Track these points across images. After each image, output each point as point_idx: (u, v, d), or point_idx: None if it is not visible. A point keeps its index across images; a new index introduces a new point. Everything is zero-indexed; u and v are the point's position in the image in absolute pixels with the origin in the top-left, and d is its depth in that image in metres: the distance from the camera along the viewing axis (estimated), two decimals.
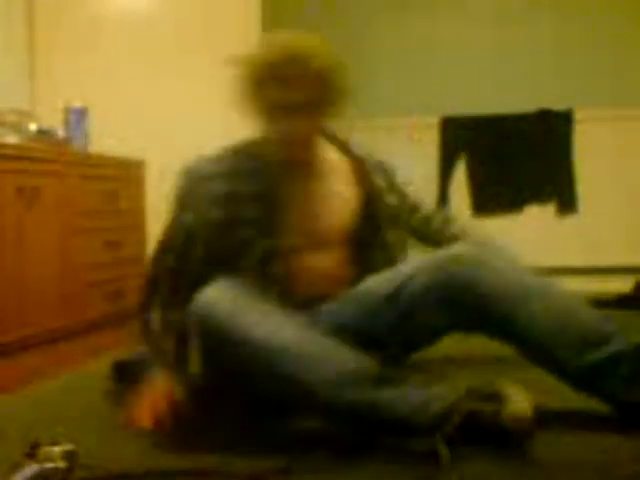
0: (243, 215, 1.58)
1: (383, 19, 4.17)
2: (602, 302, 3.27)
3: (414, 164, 4.02)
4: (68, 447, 1.27)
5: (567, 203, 3.90)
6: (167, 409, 1.48)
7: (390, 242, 1.70)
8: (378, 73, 4.16)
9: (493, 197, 3.97)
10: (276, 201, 1.60)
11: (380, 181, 1.75)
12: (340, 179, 1.69)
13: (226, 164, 1.63)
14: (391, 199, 1.75)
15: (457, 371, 1.92)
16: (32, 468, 1.20)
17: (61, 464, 1.23)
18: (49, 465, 1.22)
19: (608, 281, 3.66)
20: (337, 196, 1.67)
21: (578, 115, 3.87)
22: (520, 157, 3.93)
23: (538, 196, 3.94)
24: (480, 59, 4.06)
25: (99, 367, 2.19)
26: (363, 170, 1.72)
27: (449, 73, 4.08)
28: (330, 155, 1.71)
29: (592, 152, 3.84)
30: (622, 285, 3.43)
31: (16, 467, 1.21)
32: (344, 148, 1.74)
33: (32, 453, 1.25)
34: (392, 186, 1.77)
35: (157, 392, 1.52)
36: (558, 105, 3.91)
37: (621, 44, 3.92)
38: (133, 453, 1.38)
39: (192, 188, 1.63)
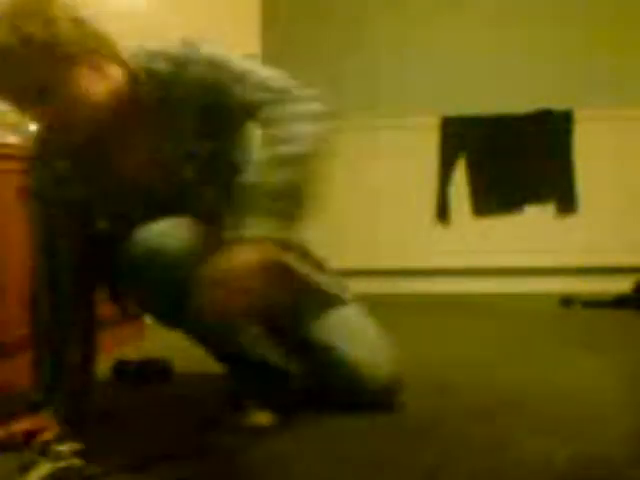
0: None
1: (383, 19, 4.17)
2: (602, 302, 3.28)
3: (414, 164, 4.02)
4: (77, 445, 1.27)
5: (567, 203, 3.90)
6: None
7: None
8: (378, 73, 4.16)
9: (493, 197, 3.96)
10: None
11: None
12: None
13: None
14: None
15: None
16: (46, 467, 1.20)
17: (75, 462, 1.23)
18: (63, 463, 1.22)
19: (608, 281, 3.66)
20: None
21: (578, 115, 3.87)
22: (520, 157, 3.93)
23: (538, 196, 3.93)
24: (480, 59, 4.06)
25: (99, 367, 2.19)
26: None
27: (449, 73, 4.08)
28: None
29: (592, 152, 3.84)
30: (622, 285, 3.43)
31: (28, 466, 1.20)
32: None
33: (43, 451, 1.25)
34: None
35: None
36: (558, 105, 3.90)
37: (621, 44, 3.92)
38: (135, 449, 1.39)
39: None
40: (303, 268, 1.65)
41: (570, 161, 3.89)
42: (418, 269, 3.98)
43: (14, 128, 2.49)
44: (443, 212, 4.00)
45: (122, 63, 1.38)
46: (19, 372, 2.05)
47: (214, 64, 1.40)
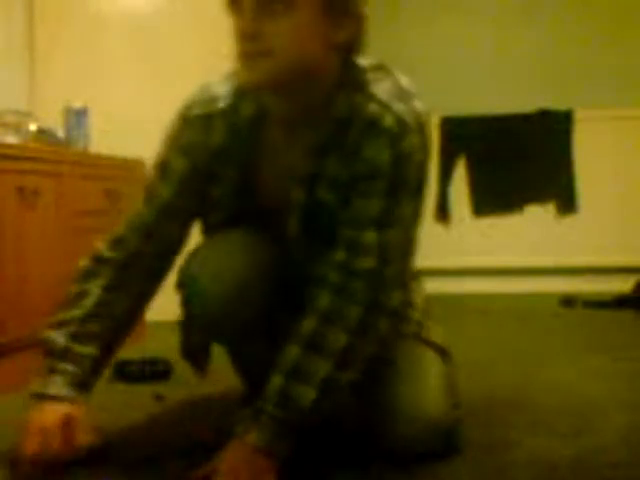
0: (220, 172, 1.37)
1: (382, 19, 4.17)
2: (602, 302, 3.28)
3: None
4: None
5: (567, 203, 3.90)
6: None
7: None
8: None
9: (493, 197, 3.97)
10: (252, 162, 1.34)
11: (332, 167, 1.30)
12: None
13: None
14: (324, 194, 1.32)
15: None
16: None
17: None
18: None
19: (608, 281, 3.66)
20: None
21: (578, 115, 3.87)
22: (520, 157, 3.93)
23: (538, 196, 3.94)
24: (480, 59, 4.06)
25: None
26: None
27: (449, 73, 4.08)
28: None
29: (592, 152, 3.84)
30: (622, 285, 3.43)
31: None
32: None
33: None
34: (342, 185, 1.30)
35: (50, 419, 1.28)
36: (558, 105, 3.90)
37: (621, 44, 3.92)
38: (134, 448, 1.39)
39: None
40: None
41: (570, 161, 3.89)
42: (417, 269, 3.97)
43: (14, 128, 2.49)
44: (443, 212, 4.00)
45: (348, 59, 1.24)
46: (18, 372, 2.06)
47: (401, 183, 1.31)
